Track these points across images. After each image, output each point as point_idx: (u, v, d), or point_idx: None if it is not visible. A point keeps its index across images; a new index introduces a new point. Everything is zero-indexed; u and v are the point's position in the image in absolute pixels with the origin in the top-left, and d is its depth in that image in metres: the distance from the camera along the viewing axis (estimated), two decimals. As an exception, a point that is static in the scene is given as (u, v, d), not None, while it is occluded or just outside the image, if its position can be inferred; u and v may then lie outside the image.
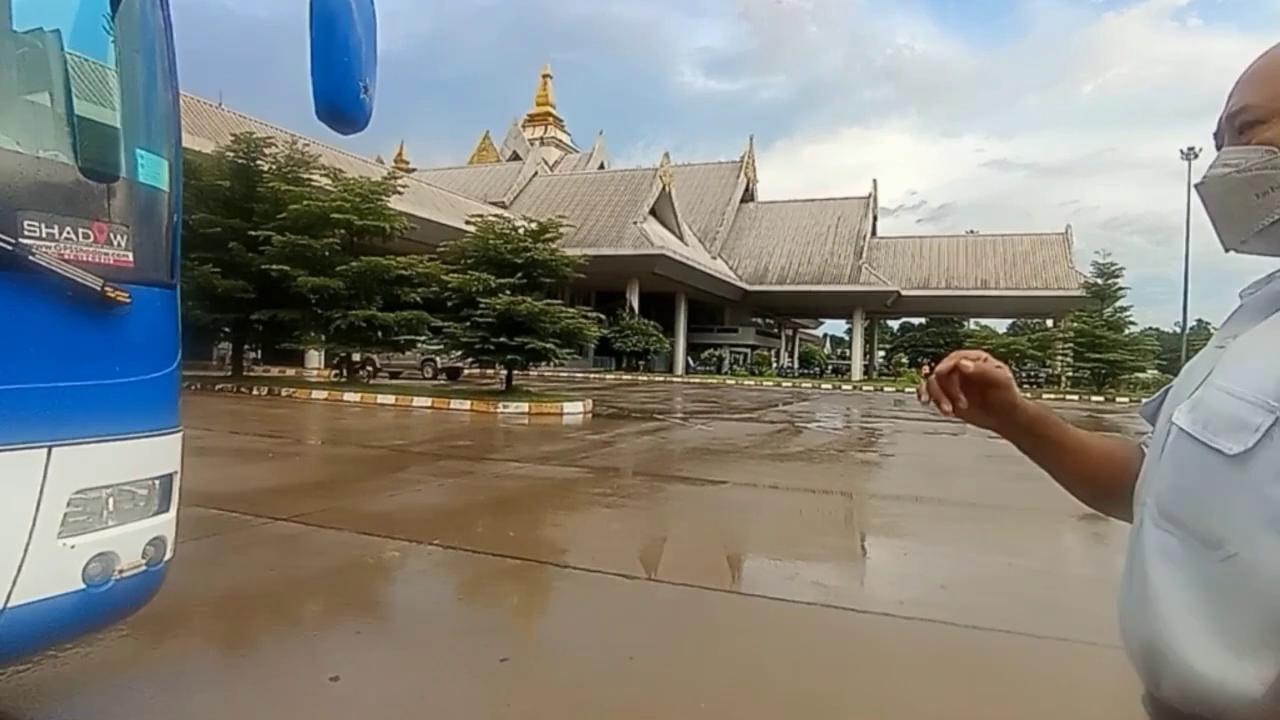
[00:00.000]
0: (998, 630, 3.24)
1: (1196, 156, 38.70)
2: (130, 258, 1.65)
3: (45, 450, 1.50)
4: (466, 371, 22.66)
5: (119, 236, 1.63)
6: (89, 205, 1.60)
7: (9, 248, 1.40)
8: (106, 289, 1.54)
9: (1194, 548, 0.64)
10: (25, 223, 1.45)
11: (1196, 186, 0.75)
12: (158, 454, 1.78)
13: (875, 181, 48.59)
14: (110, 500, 1.65)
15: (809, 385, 34.78)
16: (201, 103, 25.17)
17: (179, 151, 1.88)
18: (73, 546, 1.57)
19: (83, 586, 1.59)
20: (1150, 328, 45.90)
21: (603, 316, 20.63)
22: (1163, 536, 0.68)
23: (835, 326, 73.52)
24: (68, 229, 1.52)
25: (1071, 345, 33.23)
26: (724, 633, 3.17)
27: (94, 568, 1.61)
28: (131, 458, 1.70)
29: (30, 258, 1.42)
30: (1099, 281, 33.68)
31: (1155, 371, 39.13)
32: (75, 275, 1.49)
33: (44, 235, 1.48)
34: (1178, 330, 44.43)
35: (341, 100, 1.78)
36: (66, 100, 1.60)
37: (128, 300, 1.60)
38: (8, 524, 1.47)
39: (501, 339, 14.55)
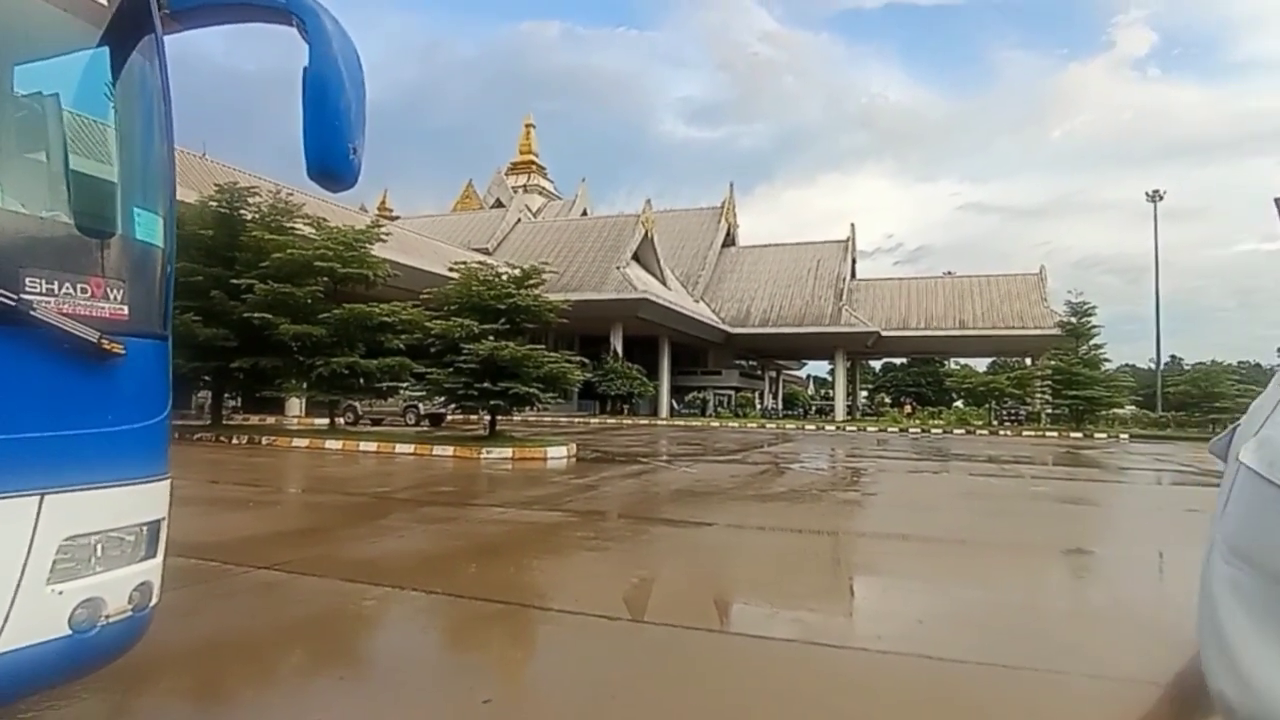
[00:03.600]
0: (972, 662, 3.30)
1: (1162, 199, 40.30)
2: (125, 311, 1.72)
3: (38, 498, 1.54)
4: (450, 417, 22.54)
5: (115, 291, 1.71)
6: (88, 261, 1.68)
7: (11, 303, 1.46)
8: (102, 341, 1.60)
9: (1264, 583, 0.66)
10: (27, 279, 1.52)
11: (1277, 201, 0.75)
12: (146, 500, 1.81)
13: (853, 225, 49.68)
14: (99, 546, 1.67)
15: (793, 426, 34.89)
16: (186, 154, 25.38)
17: (173, 208, 1.97)
18: (61, 593, 1.59)
19: (69, 633, 1.61)
20: (1126, 364, 46.91)
21: (586, 360, 20.73)
22: (1233, 572, 0.70)
23: (818, 368, 74.03)
24: (67, 284, 1.60)
25: (1050, 383, 33.74)
26: (706, 671, 3.19)
27: (81, 614, 1.62)
28: (121, 504, 1.73)
29: (31, 313, 1.49)
30: (1073, 320, 34.41)
31: (1132, 407, 39.72)
32: (73, 329, 1.56)
33: (44, 291, 1.55)
34: (1153, 366, 45.45)
35: (332, 161, 1.89)
36: (68, 162, 1.69)
37: (122, 351, 1.66)
38: None
39: (485, 384, 14.55)
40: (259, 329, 16.41)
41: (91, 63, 1.78)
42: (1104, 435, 29.25)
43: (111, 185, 1.78)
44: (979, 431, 31.38)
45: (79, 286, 1.63)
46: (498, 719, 2.68)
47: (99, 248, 1.72)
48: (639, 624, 3.99)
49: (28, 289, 1.52)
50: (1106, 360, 34.70)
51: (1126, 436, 29.16)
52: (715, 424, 34.79)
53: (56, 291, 1.58)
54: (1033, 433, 30.32)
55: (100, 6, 1.77)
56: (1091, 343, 33.95)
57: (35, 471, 1.55)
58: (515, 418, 21.93)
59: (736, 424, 35.16)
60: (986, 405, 37.35)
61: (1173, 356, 60.20)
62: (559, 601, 4.25)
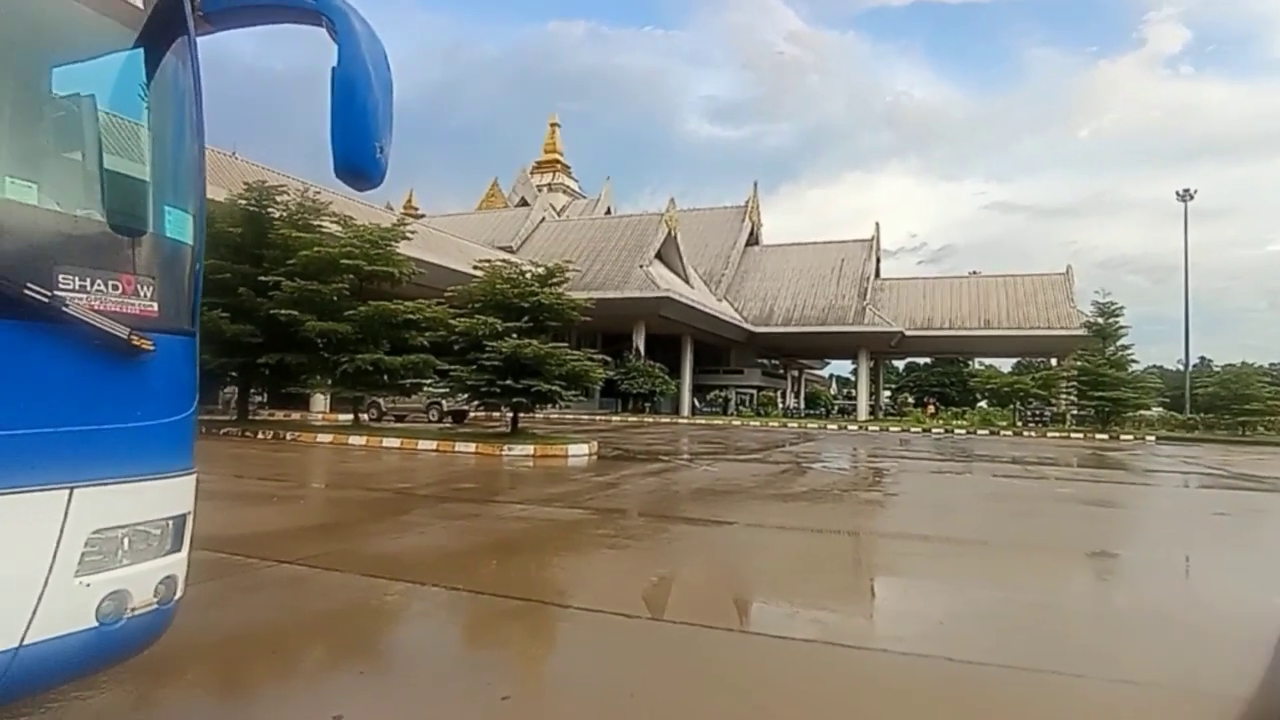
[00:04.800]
0: (994, 665, 3.26)
1: (1192, 198, 39.22)
2: (155, 308, 1.75)
3: (67, 491, 1.57)
4: (472, 414, 22.72)
5: (145, 287, 1.74)
6: (119, 258, 1.71)
7: (44, 300, 1.49)
8: (132, 337, 1.63)
9: None
10: (60, 276, 1.56)
11: None
12: (172, 495, 1.84)
13: (877, 224, 49.44)
14: (126, 540, 1.70)
15: (815, 426, 34.69)
16: (216, 152, 25.79)
17: (203, 205, 2.00)
18: (88, 585, 1.62)
19: (96, 624, 1.64)
20: (1154, 365, 45.72)
21: (609, 358, 20.74)
22: None
23: (841, 367, 73.45)
24: (99, 281, 1.63)
25: (1075, 384, 33.23)
26: (725, 670, 3.17)
27: (107, 606, 1.66)
28: (147, 498, 1.76)
29: (64, 309, 1.52)
30: (1100, 320, 33.76)
31: (1160, 409, 38.73)
32: (104, 325, 1.59)
33: (76, 287, 1.58)
34: (1181, 368, 44.32)
35: (359, 159, 1.92)
36: (103, 162, 1.72)
37: (151, 348, 1.69)
38: (27, 562, 1.53)
39: (507, 381, 14.63)
40: (285, 325, 16.67)
41: (127, 64, 1.81)
42: (1130, 437, 28.63)
43: (144, 184, 1.80)
44: (1003, 432, 30.95)
45: (110, 283, 1.66)
46: (517, 716, 2.68)
47: (130, 245, 1.75)
48: (658, 622, 3.99)
49: (61, 286, 1.55)
50: (1133, 361, 34.03)
51: (1154, 439, 28.46)
52: (737, 423, 34.69)
53: (89, 288, 1.61)
54: (1058, 434, 29.86)
55: (135, 9, 1.80)
56: (1119, 343, 33.34)
57: (66, 465, 1.58)
58: (537, 415, 22.03)
59: (758, 423, 35.04)
60: (1011, 406, 36.83)
61: (1201, 358, 58.71)
62: (579, 599, 4.25)
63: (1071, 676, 3.12)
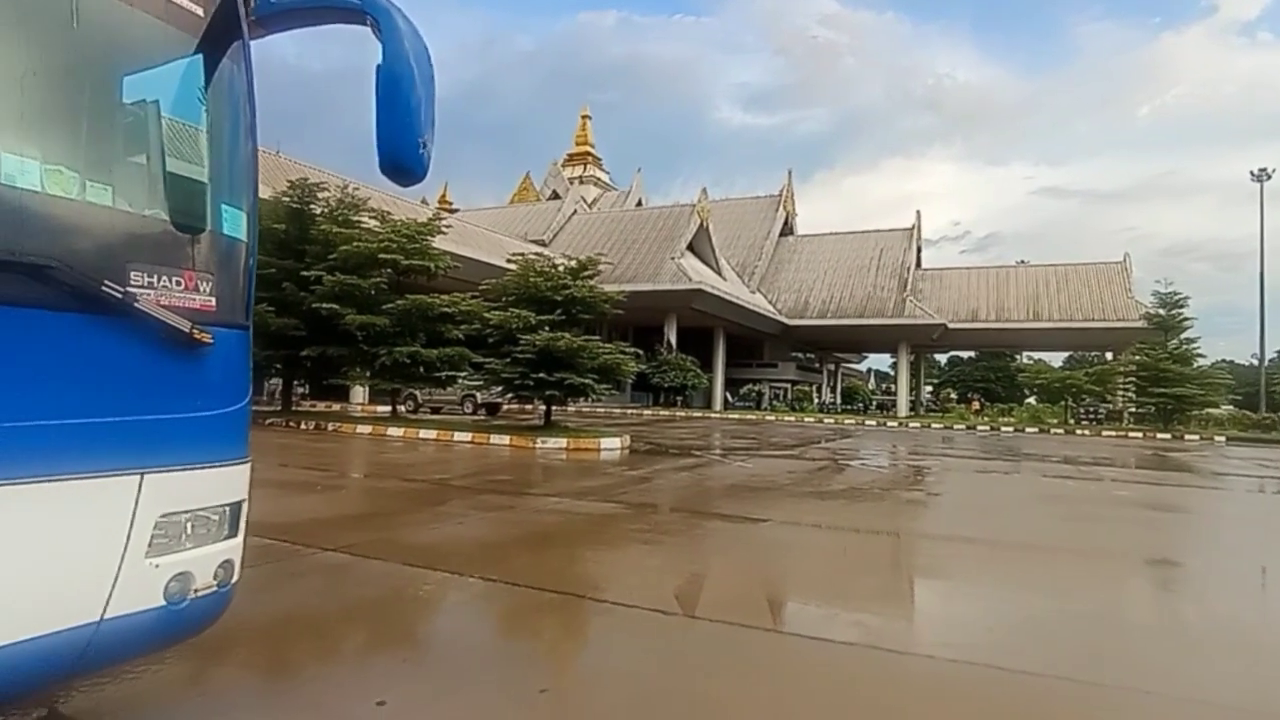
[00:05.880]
0: (1049, 676, 3.15)
1: (1269, 178, 36.31)
2: (213, 302, 1.84)
3: (139, 476, 1.68)
4: (505, 407, 23.00)
5: (204, 283, 1.82)
6: (181, 256, 1.80)
7: (118, 296, 1.59)
8: (194, 331, 1.72)
9: None
10: (131, 273, 1.65)
11: None
12: (230, 482, 1.93)
13: (918, 213, 48.06)
14: (189, 524, 1.80)
15: (852, 421, 34.25)
16: (261, 151, 26.38)
17: (255, 203, 2.07)
18: (157, 566, 1.73)
19: (163, 604, 1.75)
20: (1223, 360, 43.25)
21: (640, 352, 20.74)
22: None
23: (880, 361, 72.47)
24: (164, 278, 1.72)
25: (1133, 379, 31.65)
26: (762, 670, 3.17)
27: (173, 587, 1.76)
28: (208, 485, 1.85)
29: (135, 305, 1.62)
30: (1161, 312, 32.00)
31: (1230, 407, 36.52)
32: (169, 319, 1.68)
33: (145, 284, 1.68)
34: (1254, 362, 41.96)
35: (403, 156, 1.97)
36: (166, 163, 1.81)
37: (210, 340, 1.77)
38: (106, 542, 1.64)
39: (540, 374, 14.78)
40: (327, 319, 17.08)
41: (187, 70, 1.90)
42: (1196, 437, 27.09)
43: (203, 185, 1.89)
44: (1054, 431, 29.97)
45: (174, 279, 1.75)
46: (554, 709, 2.72)
47: (191, 243, 1.84)
48: (693, 619, 4.00)
49: (132, 282, 1.65)
50: (1200, 355, 31.86)
51: (1223, 439, 26.83)
52: (771, 418, 34.47)
53: (155, 284, 1.70)
54: (1114, 433, 28.73)
55: (196, 16, 1.88)
56: (1183, 336, 31.48)
57: (137, 452, 1.68)
58: (569, 408, 22.22)
59: (793, 418, 34.76)
60: (1062, 403, 35.39)
61: (1279, 352, 55.61)
62: (612, 593, 4.29)
63: (1136, 692, 3.00)
